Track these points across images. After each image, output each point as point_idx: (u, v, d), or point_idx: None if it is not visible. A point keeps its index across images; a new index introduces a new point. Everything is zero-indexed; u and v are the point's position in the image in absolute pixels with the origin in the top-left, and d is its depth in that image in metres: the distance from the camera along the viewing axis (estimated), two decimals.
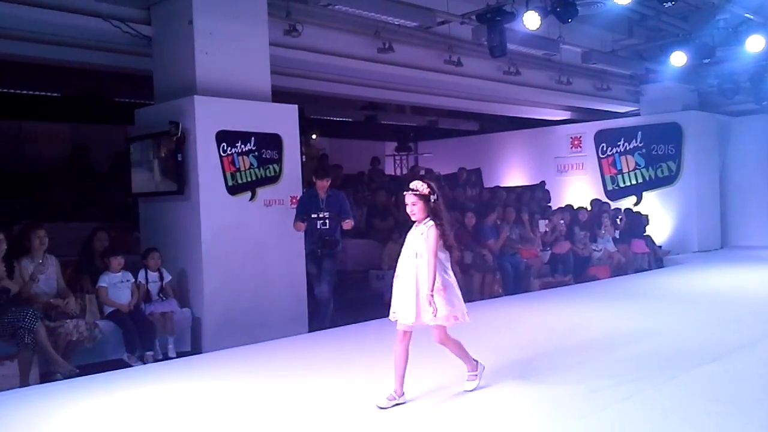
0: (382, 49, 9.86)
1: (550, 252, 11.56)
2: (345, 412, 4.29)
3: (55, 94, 12.40)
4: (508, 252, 10.64)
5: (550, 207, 13.78)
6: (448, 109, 15.76)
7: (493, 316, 7.73)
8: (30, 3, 7.11)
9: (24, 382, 5.68)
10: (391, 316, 4.43)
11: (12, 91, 11.93)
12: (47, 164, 10.89)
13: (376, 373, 5.17)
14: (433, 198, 4.36)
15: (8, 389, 5.43)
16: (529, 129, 16.66)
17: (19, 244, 6.36)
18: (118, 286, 6.77)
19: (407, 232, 4.50)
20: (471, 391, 4.52)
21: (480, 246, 10.32)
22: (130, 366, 6.33)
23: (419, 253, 4.34)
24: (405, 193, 4.43)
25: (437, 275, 4.30)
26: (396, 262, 4.52)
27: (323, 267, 7.58)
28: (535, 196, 14.16)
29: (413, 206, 4.39)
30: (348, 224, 7.61)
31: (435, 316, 4.30)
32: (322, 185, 7.60)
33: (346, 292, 9.70)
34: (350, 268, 10.46)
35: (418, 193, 4.37)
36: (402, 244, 4.53)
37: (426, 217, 4.39)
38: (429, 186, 4.39)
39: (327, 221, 7.48)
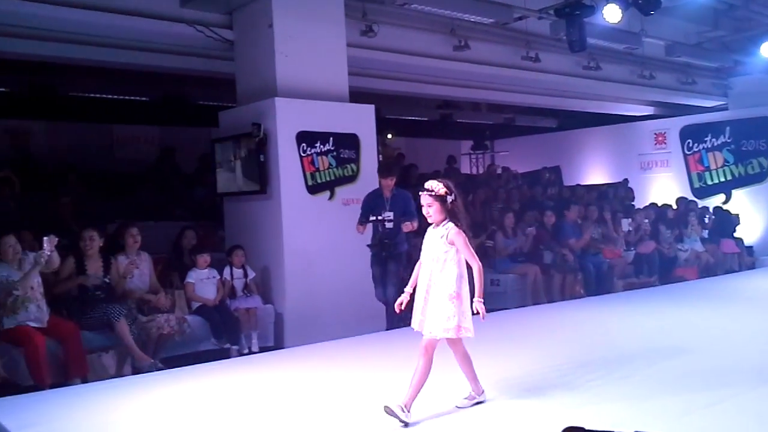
0: (458, 47, 9.83)
1: (634, 252, 11.24)
2: (421, 408, 4.31)
3: (144, 99, 12.96)
4: (591, 252, 10.40)
5: (633, 205, 13.40)
6: (526, 106, 15.53)
7: (574, 318, 7.61)
8: (119, 11, 7.46)
9: (118, 372, 5.98)
10: (416, 326, 4.18)
11: (104, 96, 12.55)
12: (137, 166, 11.37)
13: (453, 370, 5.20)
14: (450, 198, 4.13)
15: (106, 378, 5.72)
16: (610, 125, 16.22)
17: (115, 242, 6.69)
18: (204, 282, 7.02)
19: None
20: (390, 415, 3.95)
21: (560, 245, 10.14)
22: (220, 351, 6.68)
23: (438, 258, 4.11)
24: (420, 193, 4.20)
25: (456, 282, 4.08)
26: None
27: (388, 269, 7.27)
28: (618, 194, 13.80)
29: (429, 207, 4.16)
30: (408, 226, 7.07)
31: (482, 319, 4.12)
32: (387, 184, 7.27)
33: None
34: None
35: (434, 193, 4.14)
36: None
37: (443, 219, 4.16)
38: (446, 186, 4.16)
39: (391, 222, 7.17)
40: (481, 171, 17.62)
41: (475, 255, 4.17)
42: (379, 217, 7.03)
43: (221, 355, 6.74)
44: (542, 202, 12.06)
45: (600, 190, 13.84)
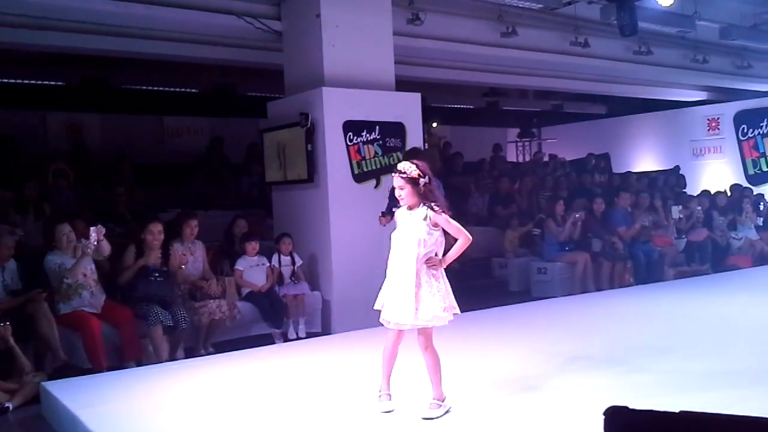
0: (506, 33, 9.73)
1: (685, 240, 11.01)
2: (462, 391, 4.33)
3: (194, 90, 13.20)
4: (641, 240, 10.22)
5: (684, 193, 13.11)
6: (574, 93, 15.31)
7: (624, 306, 7.51)
8: (170, 4, 7.60)
9: (171, 356, 6.15)
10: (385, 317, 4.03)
11: (155, 88, 12.83)
12: (187, 157, 11.59)
13: (497, 357, 5.20)
14: (423, 181, 3.93)
15: (159, 362, 5.89)
16: (661, 111, 15.87)
17: (172, 230, 6.87)
18: (253, 269, 7.15)
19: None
20: (431, 419, 3.87)
21: (610, 233, 9.99)
22: (268, 336, 6.84)
23: (422, 240, 3.92)
24: (393, 175, 4.03)
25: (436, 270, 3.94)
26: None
27: None
28: (669, 181, 13.51)
29: (401, 190, 3.97)
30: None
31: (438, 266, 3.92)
32: None
33: (468, 279, 9.72)
34: (472, 255, 10.45)
35: (406, 176, 3.95)
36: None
37: (419, 203, 3.97)
38: (419, 168, 3.97)
39: None
40: (527, 159, 17.45)
41: (462, 228, 4.02)
42: None
43: (269, 340, 6.88)
44: (591, 189, 11.89)
45: (650, 177, 13.56)
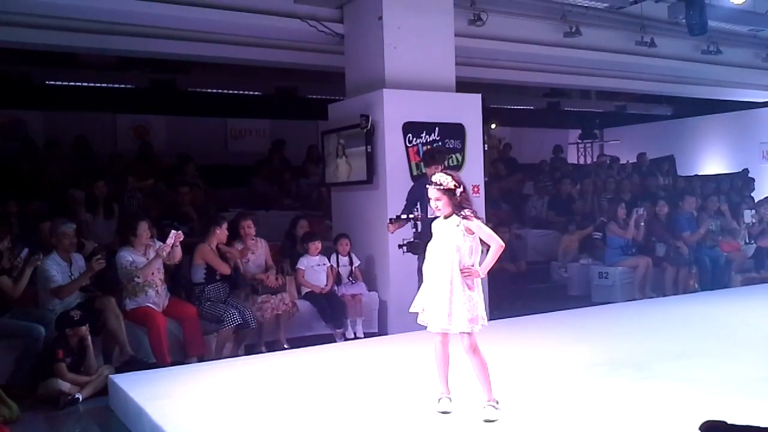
0: (569, 33, 9.59)
1: (755, 245, 10.62)
2: (510, 393, 4.29)
3: (257, 93, 13.45)
4: (707, 245, 9.91)
5: (752, 197, 12.65)
6: (638, 93, 14.96)
7: (687, 312, 7.30)
8: (236, 8, 7.78)
9: (233, 353, 6.29)
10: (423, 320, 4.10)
11: (219, 91, 13.14)
12: (249, 158, 11.81)
13: (551, 360, 5.14)
14: (459, 191, 4.03)
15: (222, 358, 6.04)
16: (729, 112, 15.35)
17: (233, 231, 7.02)
18: (315, 269, 7.24)
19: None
20: (493, 421, 3.92)
21: (675, 237, 9.72)
22: (327, 336, 6.95)
23: (458, 247, 3.98)
24: (428, 186, 4.10)
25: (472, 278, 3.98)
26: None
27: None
28: (735, 184, 13.06)
29: (437, 201, 4.05)
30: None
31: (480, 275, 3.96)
32: (432, 173, 6.84)
33: (527, 282, 9.62)
34: (531, 258, 10.34)
35: (442, 187, 4.03)
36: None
37: (452, 212, 4.04)
38: (455, 179, 4.05)
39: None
40: (589, 161, 17.13)
41: (495, 234, 4.05)
42: (410, 216, 6.25)
43: (327, 339, 6.95)
44: (655, 192, 11.59)
45: (717, 180, 13.14)
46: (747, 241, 10.63)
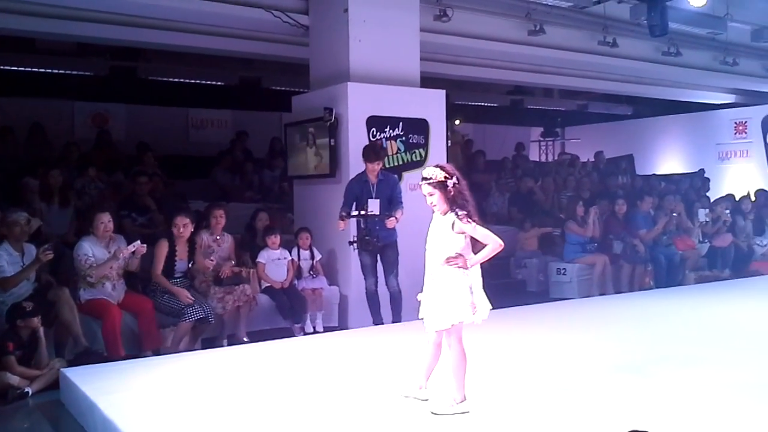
0: (533, 31, 9.67)
1: (709, 244, 10.87)
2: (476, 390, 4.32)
3: (219, 83, 13.27)
4: (663, 243, 10.12)
5: (708, 197, 12.93)
6: (600, 93, 15.17)
7: (641, 309, 7.43)
8: None
9: (189, 346, 6.21)
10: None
11: (181, 80, 12.92)
12: (211, 149, 11.67)
13: (510, 358, 5.18)
14: (450, 183, 3.84)
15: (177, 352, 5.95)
16: (687, 113, 15.68)
17: (201, 221, 6.94)
18: (275, 262, 7.17)
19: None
20: (439, 414, 3.89)
21: (631, 235, 9.89)
22: (286, 329, 6.91)
23: (447, 247, 3.90)
24: (419, 184, 3.93)
25: (465, 273, 3.89)
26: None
27: (386, 258, 6.77)
28: (693, 184, 13.35)
29: (430, 197, 3.89)
30: (392, 222, 6.46)
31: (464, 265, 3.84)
32: (373, 168, 6.69)
33: (486, 278, 9.66)
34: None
35: (432, 181, 3.85)
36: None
37: (448, 208, 3.88)
38: (444, 170, 3.88)
39: (377, 209, 6.52)
40: (550, 158, 17.33)
41: (491, 234, 3.90)
42: (362, 212, 6.42)
43: (287, 333, 6.91)
44: (614, 191, 11.78)
45: (674, 180, 13.40)
46: (701, 240, 10.86)
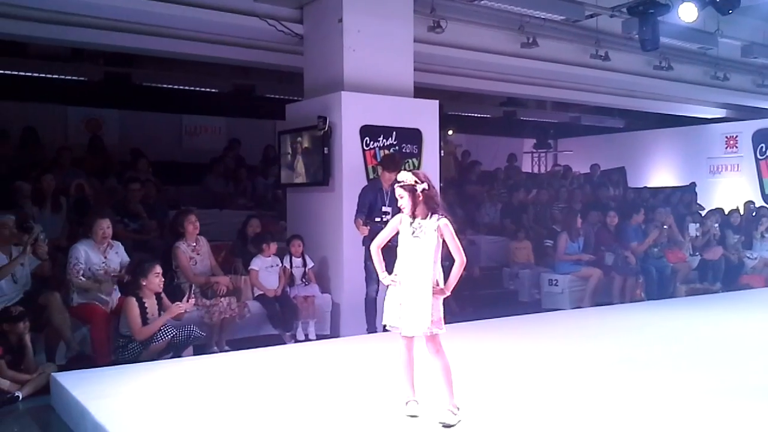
0: (526, 44, 9.74)
1: (699, 257, 10.95)
2: (467, 399, 4.33)
3: (213, 90, 13.30)
4: (654, 255, 10.18)
5: (699, 213, 13.01)
6: (592, 105, 15.28)
7: (634, 320, 7.47)
8: (193, 4, 7.67)
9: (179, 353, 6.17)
10: (394, 324, 4.08)
11: (175, 87, 12.94)
12: (204, 156, 11.67)
13: (500, 366, 5.20)
14: (419, 188, 3.99)
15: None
16: (679, 127, 15.81)
17: (174, 230, 6.89)
18: (268, 270, 7.16)
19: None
20: (450, 426, 3.92)
21: (623, 247, 9.94)
22: (279, 336, 6.89)
23: (430, 250, 3.98)
24: (395, 186, 4.13)
25: (439, 274, 4.00)
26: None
27: (390, 264, 6.98)
28: (684, 198, 13.44)
29: (401, 199, 4.07)
30: None
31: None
32: (390, 178, 6.77)
33: (480, 288, 9.71)
34: (484, 264, 10.45)
35: (403, 184, 4.04)
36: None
37: (427, 212, 4.02)
38: (417, 176, 4.04)
39: (390, 216, 6.54)
40: (543, 170, 17.41)
41: (461, 249, 4.02)
42: (384, 218, 6.57)
43: (279, 340, 6.90)
44: (605, 203, 11.86)
45: (665, 193, 13.49)
46: (692, 253, 10.93)
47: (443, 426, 3.92)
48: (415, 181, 4.03)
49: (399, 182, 4.08)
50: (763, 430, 3.91)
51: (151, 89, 12.82)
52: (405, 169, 4.28)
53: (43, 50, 11.33)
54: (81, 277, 5.94)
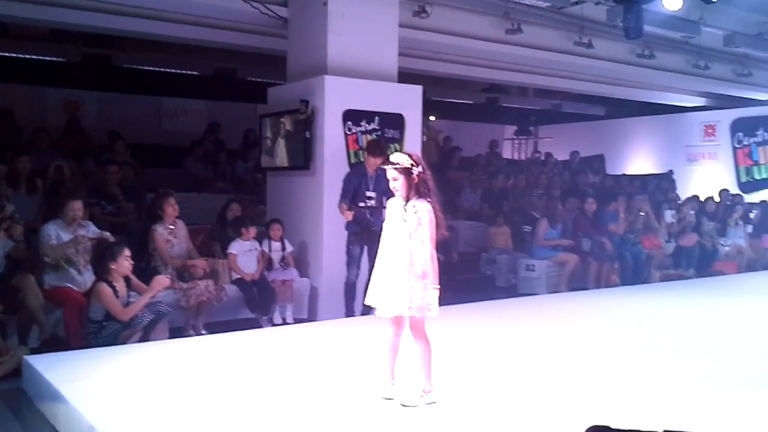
0: (511, 30, 9.71)
1: (674, 244, 11.08)
2: (445, 383, 4.36)
3: (194, 73, 13.15)
4: (630, 241, 10.29)
5: (675, 199, 13.15)
6: (574, 93, 15.32)
7: (609, 306, 7.55)
8: None
9: (157, 336, 6.12)
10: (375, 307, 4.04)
11: (155, 69, 12.78)
12: (183, 138, 11.56)
13: (477, 350, 5.23)
14: (416, 171, 3.95)
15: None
16: (658, 115, 15.91)
17: (152, 212, 6.84)
18: (246, 254, 7.13)
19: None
20: (408, 406, 3.94)
21: (600, 233, 10.03)
22: (256, 320, 6.88)
23: (412, 234, 3.93)
24: (386, 167, 4.04)
25: (429, 261, 3.93)
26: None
27: (368, 250, 6.93)
28: (662, 185, 13.56)
29: (395, 181, 3.98)
30: None
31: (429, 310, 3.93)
32: (374, 163, 6.83)
33: (458, 273, 9.75)
34: (463, 249, 10.49)
35: (399, 167, 3.95)
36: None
37: (415, 195, 3.97)
38: (411, 158, 3.98)
39: (374, 201, 6.85)
40: (523, 156, 17.46)
41: (434, 240, 3.95)
42: (368, 203, 6.71)
43: (257, 323, 6.89)
44: (583, 189, 11.94)
45: (643, 180, 13.61)
46: (667, 239, 11.05)
47: (402, 406, 3.94)
48: (411, 164, 3.96)
49: (394, 164, 3.99)
50: (733, 413, 3.97)
51: (131, 71, 12.64)
52: (401, 151, 4.22)
53: (21, 30, 11.13)
54: (48, 252, 5.84)
